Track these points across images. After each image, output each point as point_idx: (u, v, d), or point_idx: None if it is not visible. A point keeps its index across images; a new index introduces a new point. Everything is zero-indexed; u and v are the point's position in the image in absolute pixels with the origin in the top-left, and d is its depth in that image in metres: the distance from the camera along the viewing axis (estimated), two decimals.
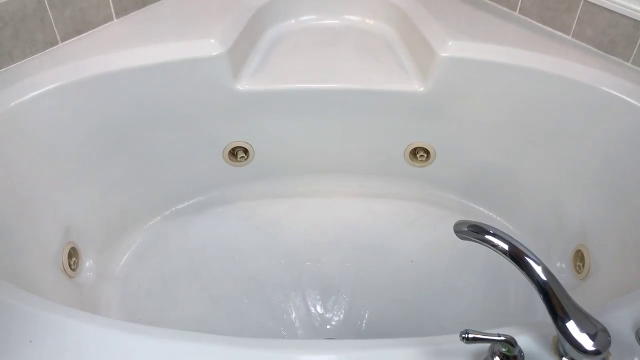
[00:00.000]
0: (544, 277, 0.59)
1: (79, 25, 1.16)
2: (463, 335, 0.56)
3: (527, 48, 1.16)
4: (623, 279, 1.00)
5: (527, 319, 1.14)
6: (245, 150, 1.33)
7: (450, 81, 1.19)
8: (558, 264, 1.18)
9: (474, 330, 0.56)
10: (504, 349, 0.58)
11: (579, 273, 1.12)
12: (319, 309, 1.16)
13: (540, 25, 1.26)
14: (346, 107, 1.25)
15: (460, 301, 1.18)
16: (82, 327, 0.66)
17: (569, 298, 0.59)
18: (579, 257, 1.13)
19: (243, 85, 1.20)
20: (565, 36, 1.21)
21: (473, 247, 1.19)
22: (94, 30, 1.19)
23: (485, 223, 0.63)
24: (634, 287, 0.94)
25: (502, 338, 0.57)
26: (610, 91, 1.07)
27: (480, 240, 0.62)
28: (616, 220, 1.07)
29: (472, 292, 1.20)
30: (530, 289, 1.15)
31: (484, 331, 0.57)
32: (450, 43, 1.17)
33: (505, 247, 0.61)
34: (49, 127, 1.05)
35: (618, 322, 0.66)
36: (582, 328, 0.57)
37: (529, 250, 0.61)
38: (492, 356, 0.59)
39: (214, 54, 1.14)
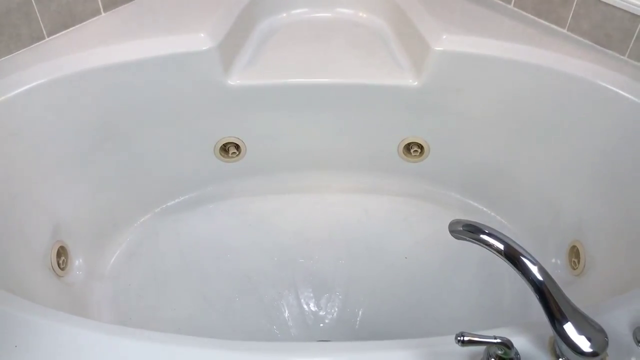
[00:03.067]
0: (540, 277, 0.58)
1: (66, 20, 1.13)
2: (458, 338, 0.55)
3: (522, 42, 1.15)
4: (618, 275, 0.99)
5: (522, 316, 1.13)
6: (237, 146, 1.32)
7: (444, 75, 1.17)
8: (553, 260, 1.17)
9: (469, 333, 0.56)
10: (500, 352, 0.57)
11: (574, 269, 1.11)
12: (312, 307, 1.15)
13: (535, 18, 1.24)
14: (339, 102, 1.23)
15: (455, 298, 1.17)
16: (69, 331, 0.64)
17: (565, 298, 0.58)
18: (574, 253, 1.12)
19: (234, 80, 1.18)
20: (561, 30, 1.20)
21: (468, 243, 1.18)
22: (81, 24, 1.17)
23: (480, 222, 0.62)
24: (629, 283, 0.94)
25: (498, 340, 0.56)
26: (606, 85, 1.06)
27: (476, 240, 0.61)
28: (612, 216, 1.06)
29: (467, 289, 1.19)
30: (525, 286, 1.14)
31: (480, 333, 0.56)
32: (444, 37, 1.15)
33: (501, 246, 0.60)
34: (36, 124, 1.03)
35: (615, 322, 0.65)
36: (579, 329, 0.57)
37: (524, 250, 0.59)
38: (488, 358, 0.58)
39: (204, 48, 1.12)
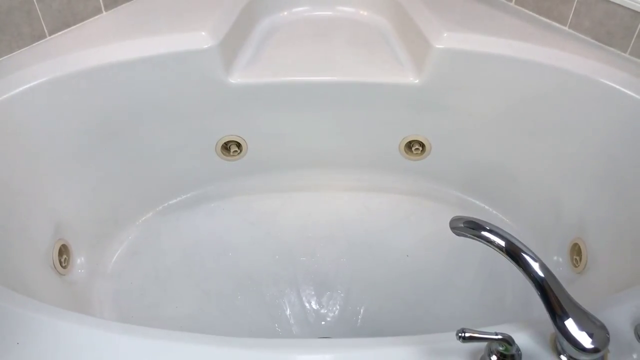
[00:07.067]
0: (541, 274, 0.58)
1: (67, 18, 1.13)
2: (460, 335, 0.55)
3: (524, 39, 1.14)
4: (620, 272, 0.99)
5: (524, 313, 1.13)
6: (239, 145, 1.32)
7: (445, 73, 1.17)
8: (555, 258, 1.17)
9: (470, 329, 0.55)
10: (501, 348, 0.57)
11: (576, 267, 1.11)
12: (314, 305, 1.15)
13: (536, 16, 1.24)
14: (340, 100, 1.23)
15: (457, 296, 1.17)
16: (71, 328, 0.65)
17: (567, 295, 0.58)
18: (576, 251, 1.12)
19: (235, 79, 1.18)
20: (562, 27, 1.20)
21: (470, 241, 1.18)
22: (83, 23, 1.17)
23: (481, 219, 0.62)
24: (631, 280, 0.94)
25: (499, 337, 0.56)
26: (608, 83, 1.06)
27: (477, 236, 0.61)
28: (613, 213, 1.06)
29: (469, 287, 1.19)
30: (527, 284, 1.14)
31: (481, 330, 0.56)
32: (445, 35, 1.15)
33: (502, 243, 0.60)
34: (38, 122, 1.03)
35: (616, 318, 0.65)
36: (581, 326, 0.56)
37: (526, 247, 0.59)
38: (489, 355, 0.58)
39: (205, 46, 1.12)
